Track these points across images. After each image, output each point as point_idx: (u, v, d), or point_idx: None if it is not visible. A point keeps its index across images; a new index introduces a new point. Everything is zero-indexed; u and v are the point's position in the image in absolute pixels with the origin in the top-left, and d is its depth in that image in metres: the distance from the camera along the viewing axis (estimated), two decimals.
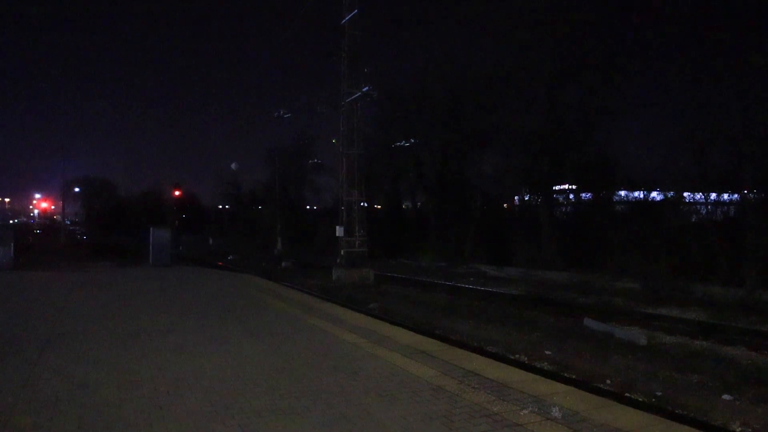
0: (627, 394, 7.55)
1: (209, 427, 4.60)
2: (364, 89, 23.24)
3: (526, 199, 33.86)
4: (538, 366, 9.03)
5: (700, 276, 19.68)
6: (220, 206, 75.52)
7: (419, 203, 43.40)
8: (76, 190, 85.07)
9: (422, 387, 5.84)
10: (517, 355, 9.90)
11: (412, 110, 37.38)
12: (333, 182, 43.72)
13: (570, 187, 32.35)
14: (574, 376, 8.40)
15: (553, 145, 29.72)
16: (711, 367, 9.00)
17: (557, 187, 32.40)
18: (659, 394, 7.71)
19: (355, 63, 23.62)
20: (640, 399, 7.40)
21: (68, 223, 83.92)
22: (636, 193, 29.53)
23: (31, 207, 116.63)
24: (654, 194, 27.73)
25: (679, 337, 11.40)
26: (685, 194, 25.82)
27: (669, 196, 26.20)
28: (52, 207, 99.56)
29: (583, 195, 32.03)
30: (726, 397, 7.51)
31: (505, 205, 38.38)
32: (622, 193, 30.79)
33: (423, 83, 36.73)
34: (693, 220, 25.36)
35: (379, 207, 46.72)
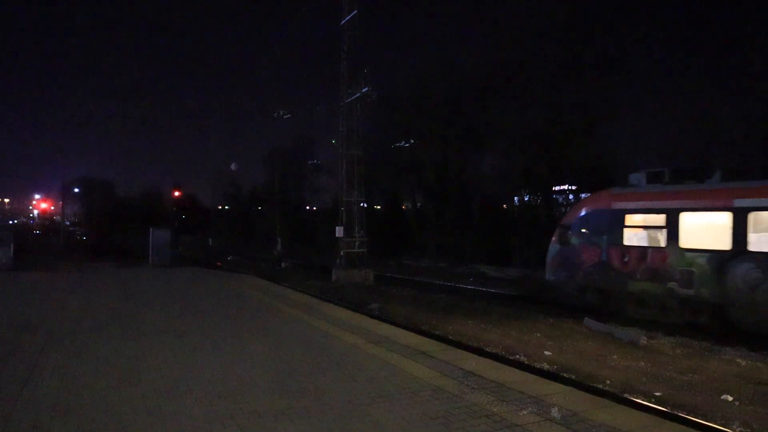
0: (626, 395, 7.54)
1: (208, 428, 4.60)
2: (364, 90, 23.23)
3: (526, 199, 33.88)
4: (538, 366, 9.02)
5: None
6: (220, 207, 75.60)
7: (419, 204, 43.39)
8: (76, 190, 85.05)
9: (422, 387, 5.84)
10: (516, 356, 9.88)
11: (411, 111, 37.35)
12: (332, 183, 43.77)
13: (569, 187, 32.37)
14: (573, 377, 8.39)
15: (552, 146, 29.73)
16: (710, 367, 9.00)
17: (557, 188, 32.42)
18: (658, 394, 7.71)
19: (354, 63, 23.64)
20: (640, 399, 7.40)
21: (68, 223, 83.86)
22: None
23: (30, 207, 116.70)
24: None
25: (679, 337, 11.40)
26: None
27: None
28: (52, 207, 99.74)
29: (583, 195, 32.04)
30: (726, 397, 7.51)
31: (504, 205, 38.39)
32: None
33: (422, 83, 36.73)
34: None
35: (378, 207, 46.70)
